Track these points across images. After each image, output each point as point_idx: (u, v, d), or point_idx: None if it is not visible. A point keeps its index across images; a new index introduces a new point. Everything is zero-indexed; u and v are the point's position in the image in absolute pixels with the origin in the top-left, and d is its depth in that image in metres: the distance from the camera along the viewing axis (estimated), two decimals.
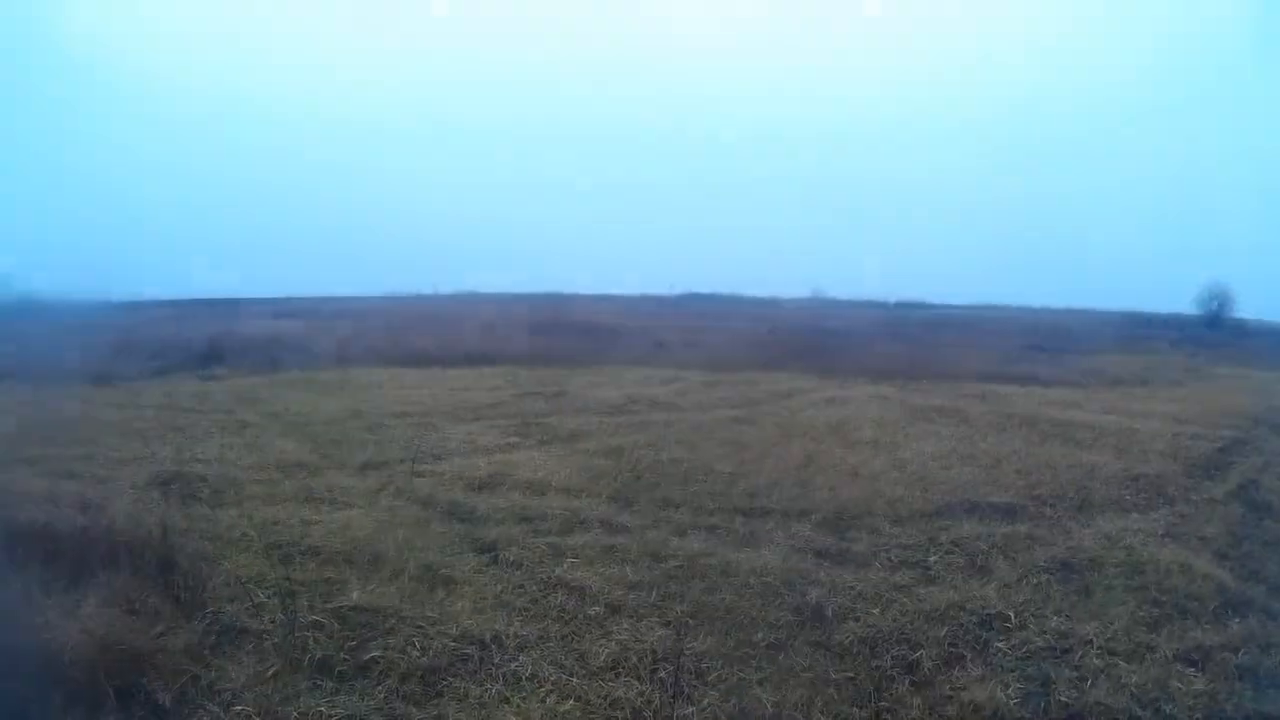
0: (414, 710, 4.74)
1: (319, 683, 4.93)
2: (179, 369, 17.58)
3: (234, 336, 21.75)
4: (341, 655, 5.22)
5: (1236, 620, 6.01)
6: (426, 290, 38.57)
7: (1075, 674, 5.30)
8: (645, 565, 7.03)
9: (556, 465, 10.09)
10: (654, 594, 6.45)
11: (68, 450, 9.70)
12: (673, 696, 4.99)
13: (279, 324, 25.25)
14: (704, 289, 42.21)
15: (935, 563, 7.21)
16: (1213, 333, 29.65)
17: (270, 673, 4.96)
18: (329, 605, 5.82)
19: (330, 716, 4.58)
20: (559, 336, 24.43)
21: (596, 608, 6.21)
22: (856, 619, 6.09)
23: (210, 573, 6.21)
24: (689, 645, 5.62)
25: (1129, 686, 5.10)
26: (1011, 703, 4.98)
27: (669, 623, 5.98)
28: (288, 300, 33.31)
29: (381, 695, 4.86)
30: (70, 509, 7.07)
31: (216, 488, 8.53)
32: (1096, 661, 5.43)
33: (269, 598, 5.90)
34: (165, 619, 5.38)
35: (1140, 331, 29.64)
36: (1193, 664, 5.41)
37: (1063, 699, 5.02)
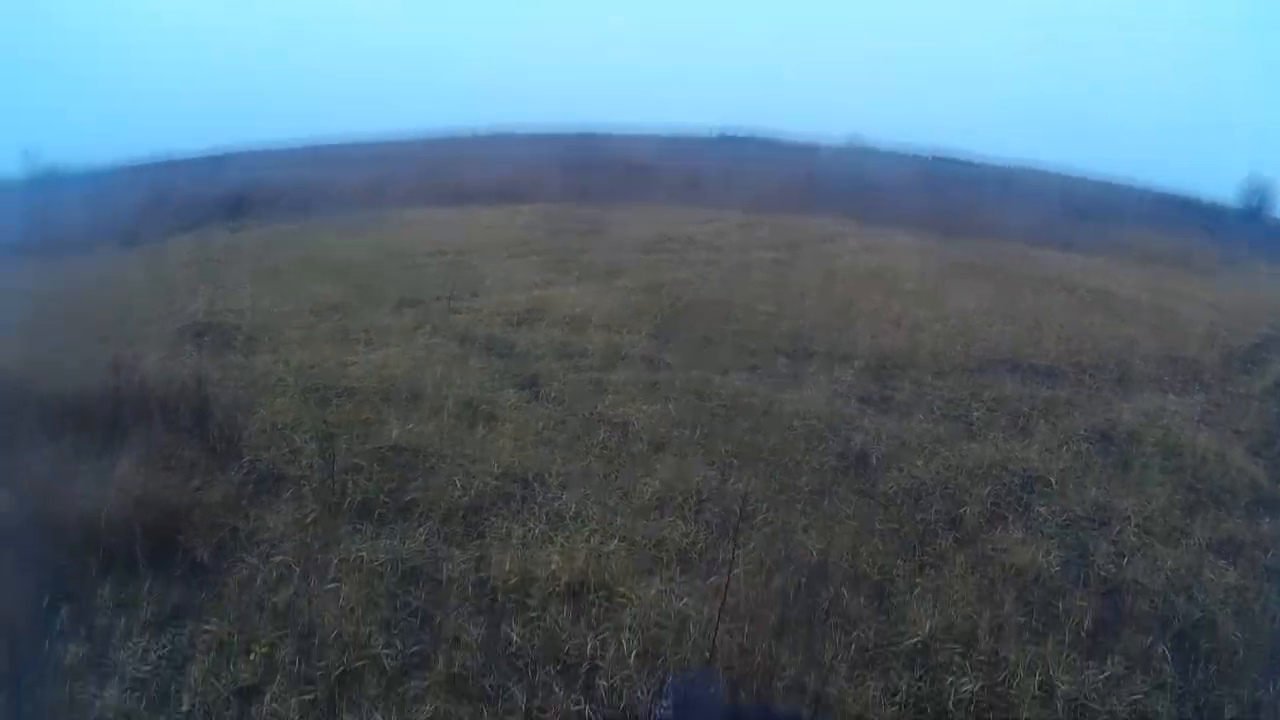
0: (456, 551, 4.63)
1: (359, 526, 4.82)
2: (208, 223, 17.24)
3: (263, 186, 21.32)
4: (381, 497, 5.10)
5: (1268, 519, 5.77)
6: (461, 130, 37.47)
7: (1114, 548, 5.17)
8: (688, 403, 6.89)
9: (595, 301, 9.85)
10: (697, 432, 6.32)
11: (99, 314, 9.54)
12: (719, 538, 4.86)
13: (309, 171, 24.72)
14: (740, 131, 40.65)
15: (977, 419, 7.05)
16: (1251, 227, 27.91)
17: (309, 519, 4.83)
18: (368, 446, 5.69)
19: (371, 561, 4.46)
20: (594, 174, 23.79)
21: (640, 445, 6.06)
22: (900, 469, 5.98)
23: (246, 421, 6.03)
24: (734, 486, 5.48)
25: (1164, 570, 4.95)
26: (1053, 570, 4.86)
27: (713, 462, 5.85)
28: (318, 147, 32.54)
29: (423, 537, 4.74)
30: (102, 371, 6.95)
31: (250, 335, 8.32)
32: (1134, 539, 5.29)
33: (306, 442, 5.72)
34: (201, 472, 5.23)
35: (1178, 213, 28.17)
36: (1225, 556, 5.23)
37: (1102, 573, 4.90)
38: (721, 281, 11.37)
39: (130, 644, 3.79)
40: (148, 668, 3.68)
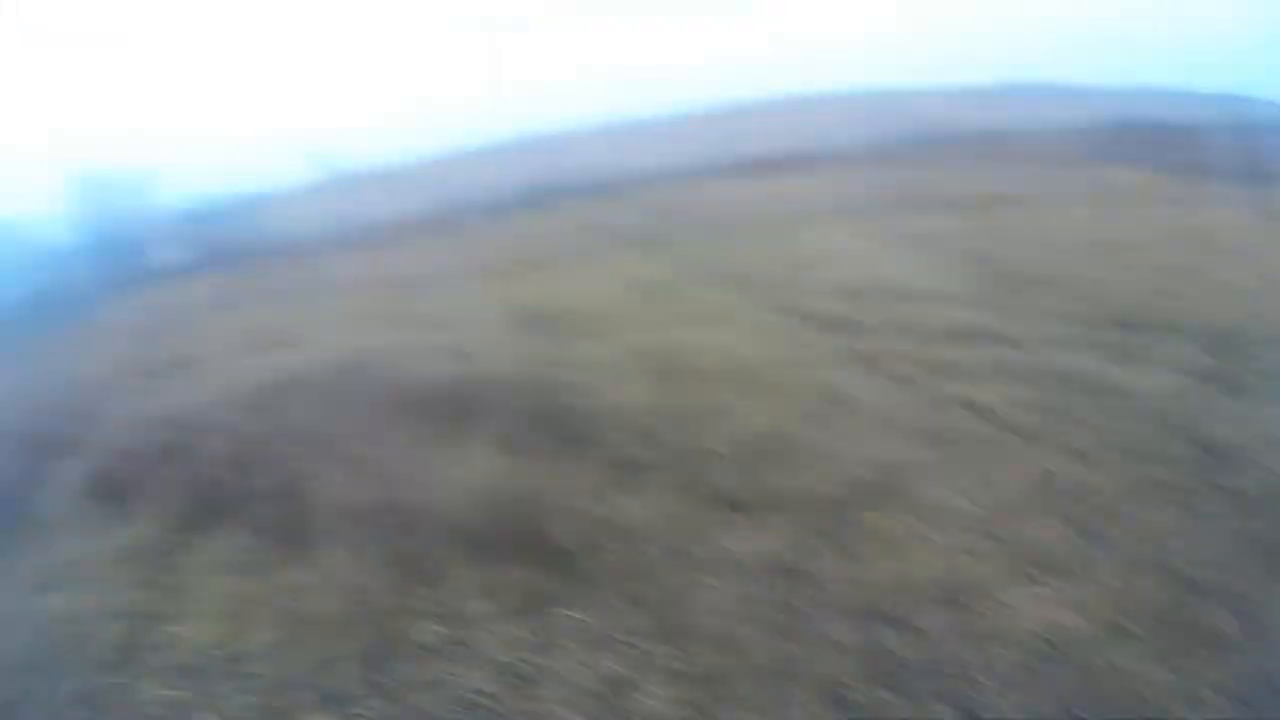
0: (824, 547, 4.43)
1: (725, 518, 4.74)
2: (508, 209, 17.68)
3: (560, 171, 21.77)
4: (744, 487, 5.00)
5: None
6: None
7: None
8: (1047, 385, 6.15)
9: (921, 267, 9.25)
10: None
11: (425, 304, 10.24)
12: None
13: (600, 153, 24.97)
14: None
15: None
16: None
17: (672, 509, 4.83)
18: (722, 432, 5.63)
19: (739, 554, 4.40)
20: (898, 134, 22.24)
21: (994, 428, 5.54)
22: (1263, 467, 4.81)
23: (595, 407, 6.17)
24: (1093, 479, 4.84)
25: None
26: None
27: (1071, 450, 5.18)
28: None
29: (790, 531, 4.58)
30: (440, 359, 7.35)
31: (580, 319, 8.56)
32: None
33: (660, 427, 5.74)
34: (556, 458, 5.40)
35: None
36: None
37: None
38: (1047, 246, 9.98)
39: (493, 629, 3.99)
40: (514, 653, 3.83)
